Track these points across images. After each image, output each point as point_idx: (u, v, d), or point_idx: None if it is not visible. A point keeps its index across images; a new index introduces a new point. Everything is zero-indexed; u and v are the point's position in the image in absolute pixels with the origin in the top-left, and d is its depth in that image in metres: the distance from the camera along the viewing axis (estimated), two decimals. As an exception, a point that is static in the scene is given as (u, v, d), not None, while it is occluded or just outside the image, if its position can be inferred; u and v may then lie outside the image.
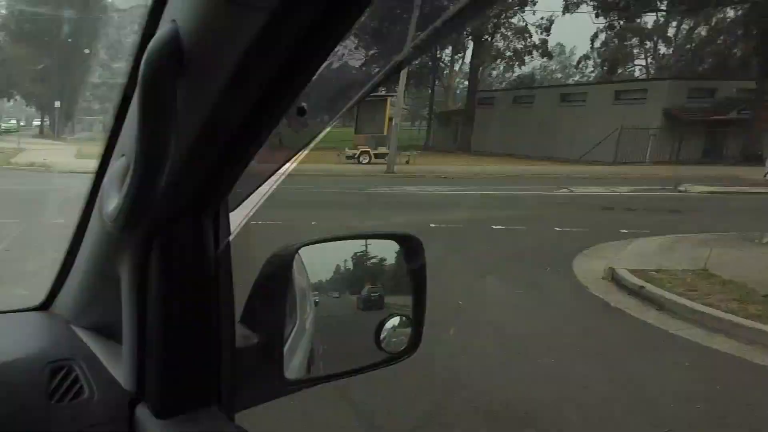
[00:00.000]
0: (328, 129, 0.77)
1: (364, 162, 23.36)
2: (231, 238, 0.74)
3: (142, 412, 0.74)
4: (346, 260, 0.98)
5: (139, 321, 0.73)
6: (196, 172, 0.62)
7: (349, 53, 0.56)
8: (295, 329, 0.84)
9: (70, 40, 26.26)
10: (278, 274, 0.79)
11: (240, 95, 0.52)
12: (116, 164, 0.67)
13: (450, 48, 40.33)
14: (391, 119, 22.57)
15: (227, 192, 0.70)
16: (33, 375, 0.78)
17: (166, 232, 0.70)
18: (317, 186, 14.54)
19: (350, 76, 0.64)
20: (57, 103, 27.55)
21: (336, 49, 0.49)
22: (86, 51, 27.39)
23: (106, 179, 0.68)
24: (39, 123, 37.30)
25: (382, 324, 0.89)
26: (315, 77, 0.52)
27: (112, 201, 0.62)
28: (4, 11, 28.23)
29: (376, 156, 23.28)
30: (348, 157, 23.53)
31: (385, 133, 23.19)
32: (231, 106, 0.53)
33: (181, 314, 0.71)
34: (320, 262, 0.91)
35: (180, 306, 0.71)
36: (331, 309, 0.89)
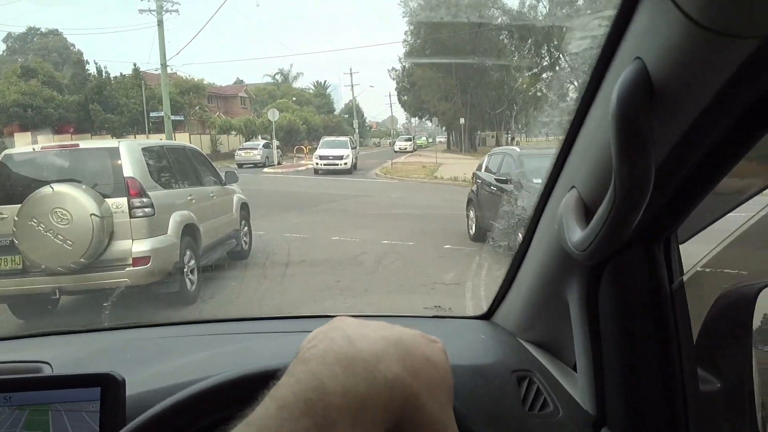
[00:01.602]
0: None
1: None
2: (685, 278, 0.71)
3: None
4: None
5: (593, 347, 0.74)
6: (655, 200, 0.59)
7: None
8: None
9: (473, 61, 29.41)
10: (736, 315, 0.72)
11: (714, 123, 0.50)
12: (569, 196, 0.69)
13: None
14: None
15: (681, 221, 0.67)
16: (503, 380, 0.84)
17: (617, 259, 0.70)
18: None
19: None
20: (461, 120, 31.23)
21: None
22: (487, 64, 30.13)
23: (560, 209, 0.70)
24: (444, 139, 42.42)
25: None
26: None
27: (574, 231, 0.64)
28: (410, 38, 33.20)
29: None
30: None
31: None
32: (702, 135, 0.52)
33: (639, 347, 0.70)
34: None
35: (635, 339, 0.70)
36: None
